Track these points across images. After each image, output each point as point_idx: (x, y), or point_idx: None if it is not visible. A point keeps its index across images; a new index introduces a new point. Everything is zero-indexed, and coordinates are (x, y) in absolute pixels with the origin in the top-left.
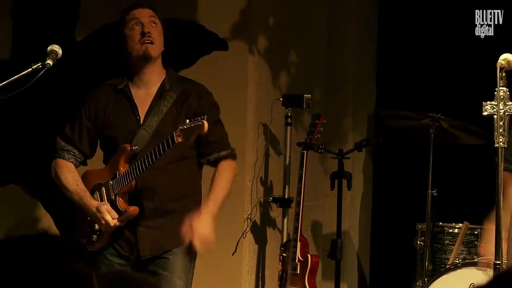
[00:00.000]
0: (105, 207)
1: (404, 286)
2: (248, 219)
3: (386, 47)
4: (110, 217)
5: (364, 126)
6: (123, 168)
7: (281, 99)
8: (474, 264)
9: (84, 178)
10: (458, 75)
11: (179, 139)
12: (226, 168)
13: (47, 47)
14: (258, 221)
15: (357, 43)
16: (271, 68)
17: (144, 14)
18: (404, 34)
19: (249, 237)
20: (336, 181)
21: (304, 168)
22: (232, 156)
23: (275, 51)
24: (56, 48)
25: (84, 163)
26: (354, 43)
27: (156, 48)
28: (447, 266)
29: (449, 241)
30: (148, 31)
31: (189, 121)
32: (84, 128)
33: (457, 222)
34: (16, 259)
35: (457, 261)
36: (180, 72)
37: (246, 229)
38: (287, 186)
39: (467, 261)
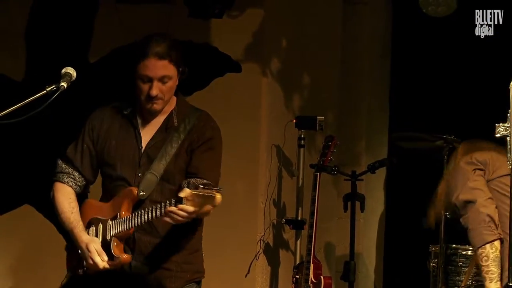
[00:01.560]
0: (95, 247)
1: None
2: (261, 241)
3: (399, 69)
4: (99, 259)
5: (378, 148)
6: (125, 212)
7: (294, 120)
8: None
9: (84, 207)
10: (471, 97)
11: (188, 204)
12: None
13: (61, 70)
14: (271, 243)
15: (371, 65)
16: (284, 90)
17: (157, 71)
18: (417, 57)
19: (262, 259)
20: (349, 203)
21: (317, 190)
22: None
23: (288, 73)
24: (70, 70)
25: (86, 188)
26: (367, 65)
27: (163, 103)
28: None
29: (463, 263)
30: (156, 94)
31: (203, 187)
32: (86, 150)
33: (470, 244)
34: None
35: (470, 283)
36: (193, 94)
37: (259, 251)
38: (300, 208)
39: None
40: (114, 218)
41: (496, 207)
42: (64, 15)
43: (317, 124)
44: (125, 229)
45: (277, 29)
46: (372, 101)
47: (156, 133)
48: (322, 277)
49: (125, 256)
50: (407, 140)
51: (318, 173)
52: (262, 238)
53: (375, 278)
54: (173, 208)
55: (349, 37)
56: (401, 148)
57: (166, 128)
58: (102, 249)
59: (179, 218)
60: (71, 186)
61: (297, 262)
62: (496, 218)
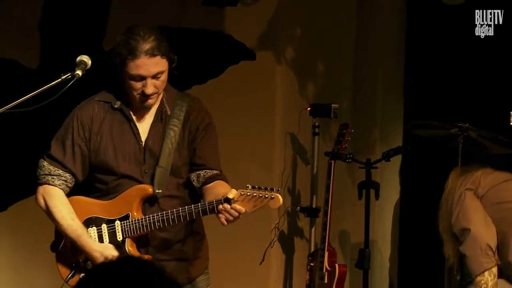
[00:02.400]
0: (113, 254)
1: None
2: (276, 229)
3: (413, 58)
4: None
5: (392, 136)
6: (137, 212)
7: (308, 108)
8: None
9: (73, 204)
10: (485, 85)
11: (238, 206)
12: (227, 185)
13: (76, 58)
14: (285, 231)
15: (385, 53)
16: (299, 78)
17: (150, 70)
18: (432, 46)
19: (277, 246)
20: (364, 191)
21: (331, 178)
22: (226, 179)
23: (302, 61)
24: (85, 58)
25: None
26: (382, 54)
27: (157, 96)
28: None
29: None
30: (151, 92)
31: (253, 188)
32: (77, 150)
33: None
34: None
35: None
36: (207, 82)
37: (273, 239)
38: (314, 196)
39: None
40: (124, 218)
41: (496, 230)
42: (79, 2)
43: (332, 112)
44: (143, 231)
45: (291, 17)
46: (387, 89)
47: (152, 125)
48: (336, 265)
49: (147, 257)
50: (421, 128)
51: (332, 161)
52: (276, 226)
53: (390, 266)
54: (226, 206)
55: (363, 25)
56: (415, 136)
57: (161, 118)
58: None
59: (231, 218)
60: (62, 189)
61: (312, 249)
62: (493, 243)
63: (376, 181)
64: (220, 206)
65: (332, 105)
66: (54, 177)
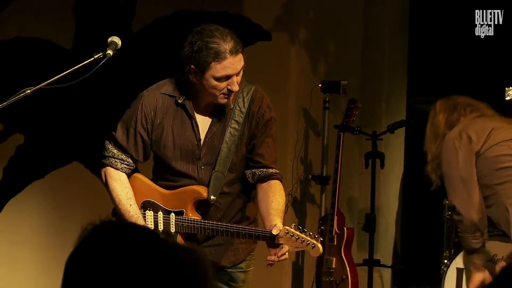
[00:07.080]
0: None
1: (432, 256)
2: (290, 195)
3: (417, 38)
4: None
5: (397, 110)
6: (191, 211)
7: (319, 85)
8: (497, 236)
9: (134, 183)
10: (481, 62)
11: (281, 241)
12: (280, 187)
13: (108, 39)
14: (298, 197)
15: (390, 34)
16: (311, 57)
17: (236, 67)
18: (434, 25)
19: (290, 211)
20: (370, 161)
21: (340, 149)
22: (281, 178)
23: (314, 42)
24: (116, 39)
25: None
26: (387, 34)
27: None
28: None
29: None
30: (236, 89)
31: (298, 229)
32: (139, 139)
33: None
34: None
35: None
36: None
37: (287, 204)
38: (325, 165)
39: (490, 233)
40: (179, 213)
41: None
42: None
43: (341, 88)
44: (193, 231)
45: (304, 1)
46: (392, 66)
47: (213, 121)
48: (345, 228)
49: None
50: (423, 103)
51: (341, 133)
52: (290, 193)
53: (394, 229)
54: (275, 258)
55: (370, 8)
56: (418, 110)
57: (223, 113)
58: None
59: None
60: (124, 172)
61: (322, 214)
62: (482, 223)
63: (382, 151)
64: (269, 257)
65: (341, 82)
66: (117, 160)
